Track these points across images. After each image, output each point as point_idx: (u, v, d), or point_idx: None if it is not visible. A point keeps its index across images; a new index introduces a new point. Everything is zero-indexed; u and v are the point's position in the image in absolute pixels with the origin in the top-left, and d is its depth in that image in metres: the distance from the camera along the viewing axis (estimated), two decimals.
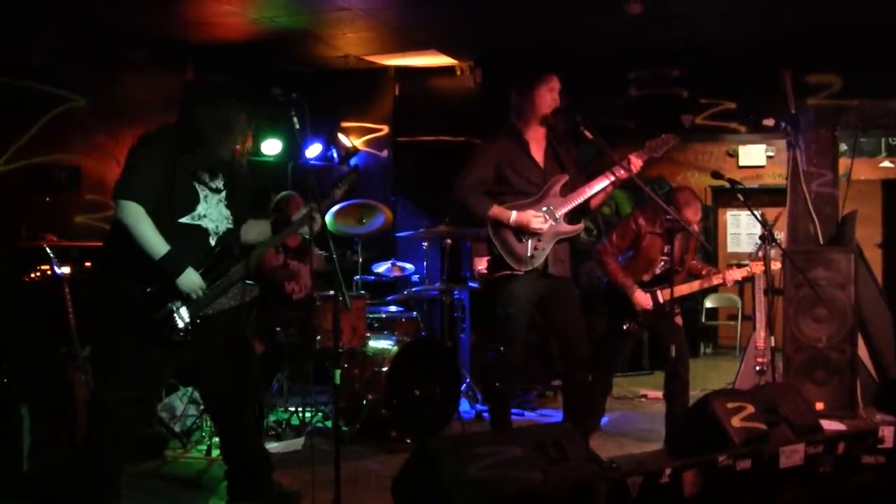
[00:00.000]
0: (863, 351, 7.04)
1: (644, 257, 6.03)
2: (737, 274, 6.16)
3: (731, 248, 11.70)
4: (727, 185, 6.11)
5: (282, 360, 6.42)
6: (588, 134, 5.06)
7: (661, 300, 5.94)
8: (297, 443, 5.98)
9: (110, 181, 7.21)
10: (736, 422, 4.49)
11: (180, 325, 4.14)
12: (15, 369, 4.89)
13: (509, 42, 7.81)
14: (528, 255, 5.03)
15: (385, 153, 8.87)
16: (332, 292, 6.30)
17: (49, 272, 5.55)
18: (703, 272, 6.16)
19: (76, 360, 5.37)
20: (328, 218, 6.42)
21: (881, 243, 10.63)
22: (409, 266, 7.58)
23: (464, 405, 6.82)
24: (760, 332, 6.69)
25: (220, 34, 7.24)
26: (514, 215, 5.01)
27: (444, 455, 3.70)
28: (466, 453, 3.73)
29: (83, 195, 7.04)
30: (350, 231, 7.09)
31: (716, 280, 6.09)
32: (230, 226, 4.39)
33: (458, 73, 8.75)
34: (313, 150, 8.46)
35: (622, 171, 5.07)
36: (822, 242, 7.52)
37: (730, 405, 4.58)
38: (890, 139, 10.66)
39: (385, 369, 6.07)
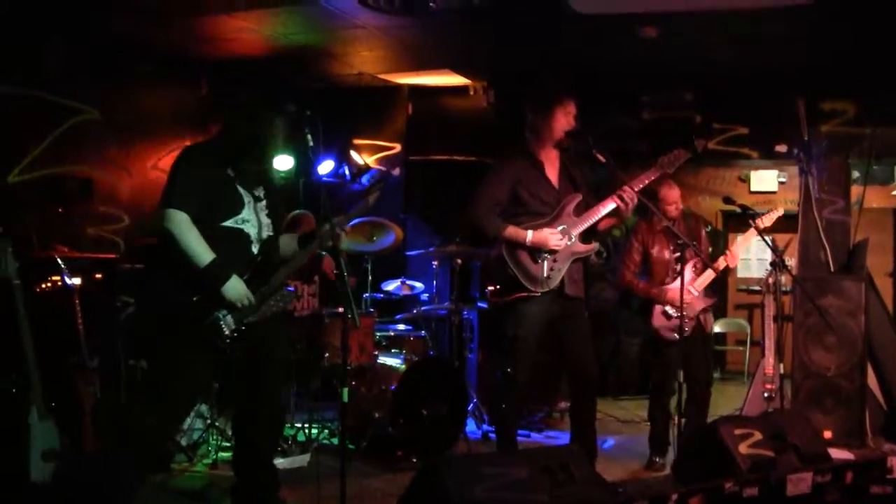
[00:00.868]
0: (872, 380, 7.02)
1: (659, 260, 6.04)
2: (743, 241, 6.18)
3: (741, 273, 11.67)
4: (738, 210, 6.11)
5: (289, 376, 6.42)
6: (600, 157, 5.08)
7: (695, 291, 5.94)
8: (302, 459, 5.97)
9: (122, 193, 7.31)
10: (743, 448, 4.47)
11: (226, 331, 4.18)
12: (23, 379, 4.89)
13: (523, 63, 7.83)
14: (545, 275, 5.02)
15: (397, 171, 8.89)
16: (340, 309, 6.30)
17: (60, 283, 5.57)
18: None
19: (85, 370, 5.38)
20: None
21: (892, 272, 10.60)
22: (418, 285, 7.58)
23: (470, 425, 6.80)
24: (769, 359, 6.67)
25: (234, 50, 7.26)
26: (530, 234, 5.01)
27: (449, 475, 3.69)
28: (473, 474, 3.72)
29: (95, 207, 7.06)
30: (360, 248, 7.10)
31: (724, 262, 6.06)
32: (270, 233, 4.41)
33: (472, 92, 8.77)
34: (325, 167, 8.48)
35: (638, 186, 5.10)
36: (832, 270, 7.51)
37: (737, 431, 4.57)
38: None
39: (392, 387, 6.06)
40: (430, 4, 5.96)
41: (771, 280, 6.57)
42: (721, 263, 6.02)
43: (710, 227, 6.32)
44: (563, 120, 5.14)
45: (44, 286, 5.75)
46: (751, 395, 6.84)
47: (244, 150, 4.32)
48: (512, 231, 5.05)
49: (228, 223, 4.24)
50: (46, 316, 5.44)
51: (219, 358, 4.26)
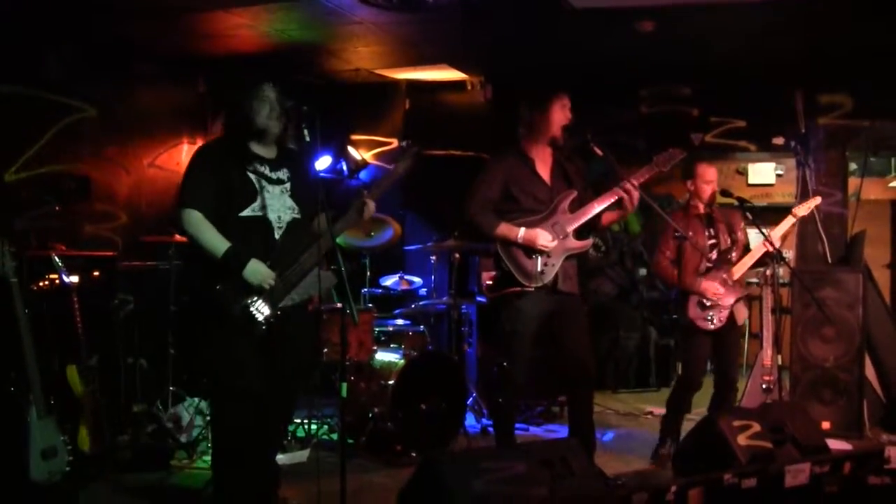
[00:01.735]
0: (870, 371, 7.03)
1: (692, 250, 5.95)
2: (780, 229, 6.07)
3: None
4: (736, 203, 6.10)
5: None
6: (598, 150, 5.09)
7: (730, 281, 5.86)
8: (302, 455, 5.98)
9: (119, 191, 7.31)
10: (742, 440, 4.47)
11: (260, 317, 4.15)
12: (22, 378, 4.89)
13: (520, 58, 7.83)
14: (538, 271, 5.03)
15: (394, 167, 8.87)
16: (339, 305, 6.30)
17: (58, 281, 5.58)
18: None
19: (83, 369, 5.39)
20: None
21: (890, 264, 10.60)
22: (416, 280, 7.59)
23: (469, 420, 6.81)
24: (767, 351, 6.67)
25: (232, 47, 7.26)
26: (522, 232, 5.02)
27: (449, 470, 3.70)
28: (472, 468, 3.72)
29: (93, 205, 7.05)
30: (358, 244, 7.10)
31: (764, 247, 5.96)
32: (296, 216, 4.35)
33: (469, 87, 8.77)
34: (323, 163, 8.48)
35: (628, 186, 5.09)
36: (830, 262, 7.52)
37: (736, 423, 4.57)
38: None
39: (391, 383, 6.07)
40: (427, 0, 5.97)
41: (769, 272, 6.57)
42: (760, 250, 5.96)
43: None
44: (559, 115, 5.15)
45: (42, 284, 5.76)
46: (749, 387, 6.85)
47: (246, 133, 4.28)
48: (505, 228, 5.07)
49: (246, 213, 4.21)
50: (45, 314, 5.45)
51: (257, 346, 4.18)
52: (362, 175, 8.83)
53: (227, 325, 4.14)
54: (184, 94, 7.92)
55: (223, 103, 4.42)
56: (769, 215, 10.34)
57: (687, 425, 5.76)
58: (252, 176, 4.25)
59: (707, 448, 4.56)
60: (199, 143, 7.86)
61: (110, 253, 6.65)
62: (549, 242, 5.03)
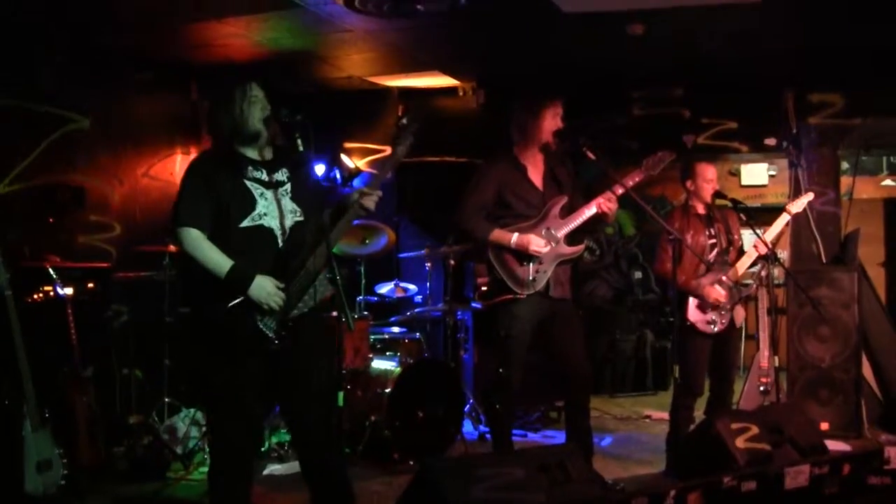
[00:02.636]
0: (867, 370, 7.03)
1: (694, 246, 5.85)
2: (775, 228, 5.99)
3: None
4: (729, 204, 6.09)
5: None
6: (591, 154, 5.08)
7: (730, 282, 5.79)
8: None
9: (113, 202, 7.30)
10: (740, 442, 4.47)
11: (271, 335, 4.00)
12: (16, 390, 4.88)
13: (512, 63, 7.83)
14: (530, 278, 5.03)
15: (388, 174, 8.87)
16: (335, 313, 6.27)
17: (52, 293, 5.56)
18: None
19: (78, 380, 5.38)
20: None
21: (884, 262, 10.62)
22: (412, 287, 7.57)
23: (467, 426, 6.80)
24: (764, 352, 6.67)
25: (224, 56, 7.25)
26: (514, 237, 5.02)
27: (447, 477, 3.69)
28: (470, 475, 3.72)
29: (87, 216, 7.04)
30: (353, 251, 7.09)
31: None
32: (299, 219, 4.16)
33: (461, 94, 8.77)
34: (316, 171, 8.45)
35: (620, 190, 5.09)
36: (824, 261, 7.53)
37: (734, 426, 4.57)
38: (892, 158, 10.68)
39: (388, 390, 6.06)
40: (418, 7, 5.96)
41: (764, 273, 6.57)
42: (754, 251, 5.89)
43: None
44: (551, 121, 5.15)
45: (36, 296, 5.74)
46: (746, 388, 6.85)
47: (233, 137, 4.11)
48: (497, 234, 5.07)
49: (246, 223, 4.00)
50: (39, 326, 5.44)
51: (269, 363, 4.03)
52: (356, 182, 8.82)
53: (235, 346, 3.98)
54: (177, 104, 7.91)
55: (211, 112, 4.26)
56: (763, 216, 10.40)
57: None
58: (249, 184, 4.06)
59: (705, 451, 4.56)
60: (193, 152, 7.86)
61: (105, 264, 6.65)
62: (541, 248, 5.03)
